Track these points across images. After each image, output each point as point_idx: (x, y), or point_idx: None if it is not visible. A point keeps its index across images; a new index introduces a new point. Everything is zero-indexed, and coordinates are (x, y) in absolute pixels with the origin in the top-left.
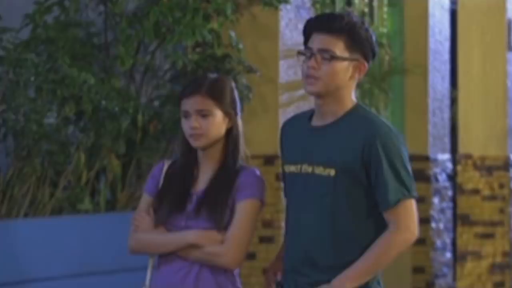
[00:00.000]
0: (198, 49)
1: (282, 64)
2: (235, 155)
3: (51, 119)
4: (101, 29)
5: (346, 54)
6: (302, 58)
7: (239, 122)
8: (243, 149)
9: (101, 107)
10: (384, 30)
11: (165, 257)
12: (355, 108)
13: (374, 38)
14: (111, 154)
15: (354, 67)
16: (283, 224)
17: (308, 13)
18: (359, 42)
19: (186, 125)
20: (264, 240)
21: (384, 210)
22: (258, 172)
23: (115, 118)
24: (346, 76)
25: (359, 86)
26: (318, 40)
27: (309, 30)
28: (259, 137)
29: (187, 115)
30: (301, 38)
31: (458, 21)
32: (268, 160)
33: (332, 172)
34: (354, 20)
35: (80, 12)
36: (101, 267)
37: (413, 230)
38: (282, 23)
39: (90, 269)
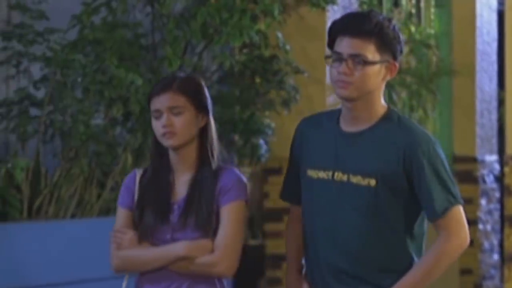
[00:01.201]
0: (245, 50)
1: None
2: (212, 156)
3: (98, 120)
4: (148, 30)
5: (377, 57)
6: (329, 61)
7: (212, 121)
8: (218, 149)
9: (148, 108)
10: (432, 31)
11: (149, 274)
12: (389, 114)
13: (401, 36)
14: None
15: (386, 69)
16: None
17: None
18: (389, 43)
19: (158, 125)
20: None
21: (432, 220)
22: (237, 171)
23: None
24: (378, 79)
25: (407, 87)
26: (348, 44)
27: (335, 32)
28: None
29: (158, 114)
30: None
31: (505, 21)
32: None
33: (372, 182)
34: (381, 20)
35: (128, 13)
36: None
37: (464, 237)
38: (329, 24)
39: None
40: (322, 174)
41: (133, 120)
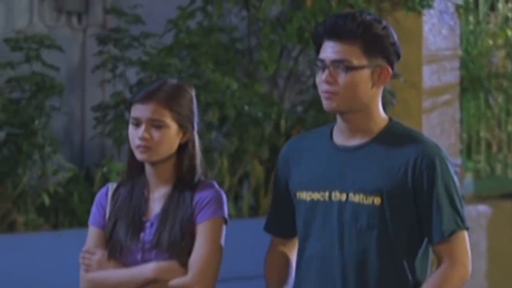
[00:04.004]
0: None
1: (426, 69)
2: (191, 174)
3: None
4: (244, 34)
5: (364, 62)
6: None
7: (196, 137)
8: (201, 168)
9: (244, 112)
10: None
11: None
12: (392, 124)
13: (395, 36)
14: (254, 159)
15: (377, 74)
16: None
17: (451, 18)
18: (378, 45)
19: (134, 134)
20: None
21: (437, 242)
22: (216, 186)
23: (258, 124)
24: (368, 86)
25: (503, 91)
26: (331, 50)
27: (319, 38)
28: None
29: (137, 122)
30: (445, 43)
31: None
32: None
33: (377, 200)
34: (368, 19)
35: (223, 17)
36: (243, 272)
37: (468, 266)
38: (426, 28)
39: (232, 275)
40: (316, 196)
41: (229, 125)
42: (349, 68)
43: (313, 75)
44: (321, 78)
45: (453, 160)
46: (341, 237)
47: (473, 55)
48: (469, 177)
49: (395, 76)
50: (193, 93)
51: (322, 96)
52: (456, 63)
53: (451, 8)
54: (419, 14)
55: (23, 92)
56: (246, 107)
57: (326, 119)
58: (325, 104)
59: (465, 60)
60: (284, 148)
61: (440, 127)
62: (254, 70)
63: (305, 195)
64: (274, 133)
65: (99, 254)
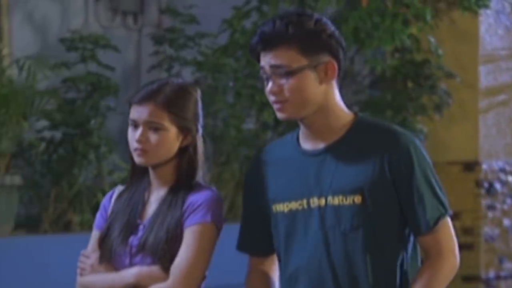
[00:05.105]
0: (397, 55)
1: (482, 70)
2: (189, 178)
3: (249, 125)
4: None
5: (304, 62)
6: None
7: (200, 140)
8: (203, 172)
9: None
10: None
11: None
12: (359, 119)
13: (332, 28)
14: None
15: (322, 71)
16: (483, 231)
17: (507, 18)
18: (314, 41)
19: (132, 137)
20: (464, 247)
21: (422, 233)
22: (212, 191)
23: None
24: (315, 86)
25: None
26: (267, 57)
27: (255, 51)
28: (459, 143)
29: (135, 124)
30: (501, 43)
31: None
32: (468, 167)
33: (358, 198)
34: (297, 18)
35: None
36: None
37: (456, 252)
38: (482, 28)
39: None
40: (294, 205)
41: (284, 125)
42: (290, 72)
43: (369, 75)
44: (267, 89)
45: (509, 160)
46: (326, 243)
47: None
48: None
49: (451, 76)
50: (198, 95)
51: (274, 107)
52: None
53: (508, 8)
54: (476, 14)
55: (78, 92)
56: None
57: (382, 119)
58: (279, 115)
59: None
60: (251, 164)
61: (496, 127)
62: None
63: (282, 207)
64: None
65: (93, 258)
